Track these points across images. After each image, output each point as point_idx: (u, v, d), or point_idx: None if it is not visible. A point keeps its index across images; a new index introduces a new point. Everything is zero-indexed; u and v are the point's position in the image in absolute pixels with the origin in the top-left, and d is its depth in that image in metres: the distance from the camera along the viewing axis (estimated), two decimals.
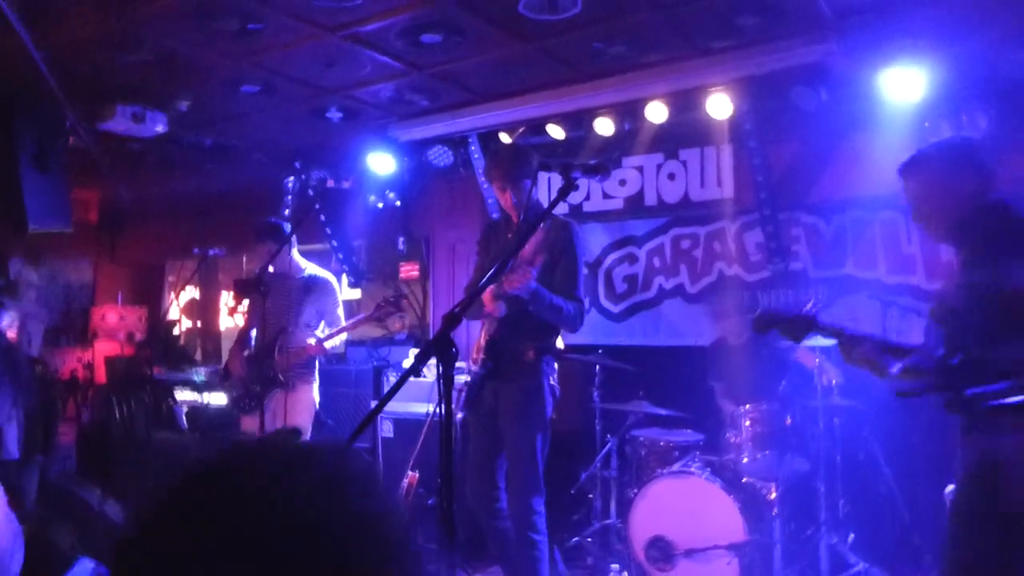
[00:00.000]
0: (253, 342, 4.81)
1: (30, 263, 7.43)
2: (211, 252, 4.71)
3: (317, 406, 4.80)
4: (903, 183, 2.66)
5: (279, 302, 4.63)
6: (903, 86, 4.22)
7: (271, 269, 4.48)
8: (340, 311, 4.77)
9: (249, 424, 4.74)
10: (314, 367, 4.73)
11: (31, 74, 4.11)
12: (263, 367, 4.58)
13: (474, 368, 3.59)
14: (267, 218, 4.92)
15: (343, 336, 4.71)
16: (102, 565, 2.74)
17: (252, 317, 4.93)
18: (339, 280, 5.13)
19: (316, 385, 4.76)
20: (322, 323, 4.70)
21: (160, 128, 5.15)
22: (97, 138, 5.26)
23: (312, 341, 4.55)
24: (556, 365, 3.61)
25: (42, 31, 3.83)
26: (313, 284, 4.71)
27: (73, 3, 3.65)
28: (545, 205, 3.97)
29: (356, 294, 7.32)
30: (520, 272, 3.23)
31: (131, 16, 3.77)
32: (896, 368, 2.36)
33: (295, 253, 4.76)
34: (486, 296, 3.39)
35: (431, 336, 5.70)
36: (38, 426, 5.09)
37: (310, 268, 4.79)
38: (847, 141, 4.91)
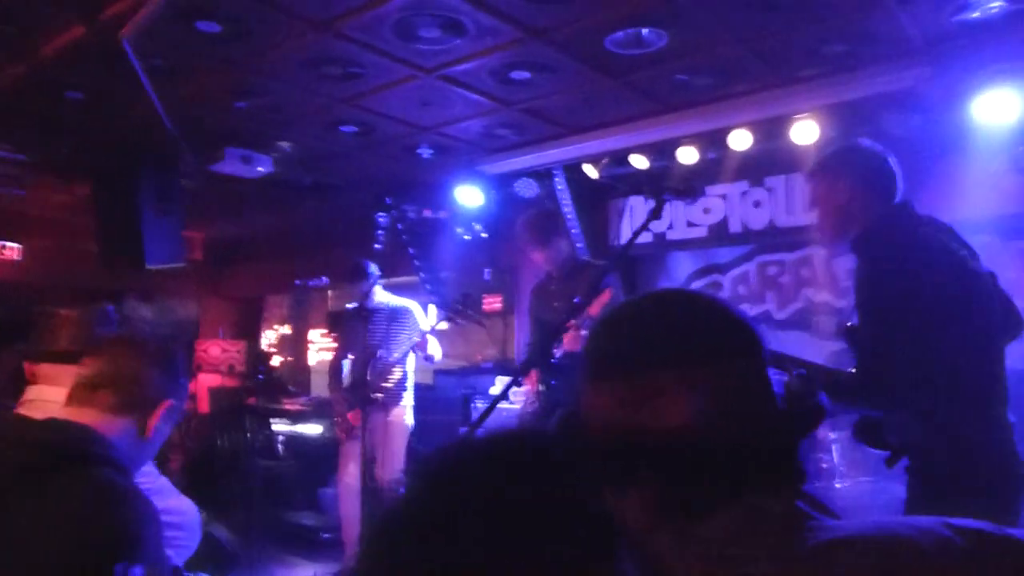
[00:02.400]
0: (344, 373, 5.16)
1: (142, 300, 7.87)
2: (311, 283, 4.98)
3: (410, 429, 5.17)
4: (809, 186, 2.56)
5: (371, 334, 5.02)
6: (998, 109, 4.16)
7: (362, 304, 4.90)
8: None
9: (349, 449, 5.04)
10: (405, 390, 5.13)
11: (155, 125, 4.45)
12: (359, 393, 4.93)
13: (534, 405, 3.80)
14: (355, 259, 5.30)
15: (435, 348, 5.11)
16: None
17: (341, 350, 5.34)
18: (426, 310, 5.51)
19: (410, 409, 5.14)
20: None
21: (264, 169, 5.48)
22: (206, 179, 5.62)
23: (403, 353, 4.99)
24: None
25: (167, 86, 4.16)
26: (398, 312, 5.17)
27: (198, 60, 3.97)
28: (583, 257, 4.51)
29: (444, 326, 7.51)
30: (571, 338, 3.68)
31: (246, 68, 4.07)
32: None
33: (378, 289, 5.17)
34: (568, 338, 3.75)
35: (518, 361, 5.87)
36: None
37: (393, 300, 5.24)
38: (940, 165, 4.84)
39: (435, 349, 5.10)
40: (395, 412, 5.02)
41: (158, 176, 5.15)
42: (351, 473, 5.07)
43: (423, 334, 4.98)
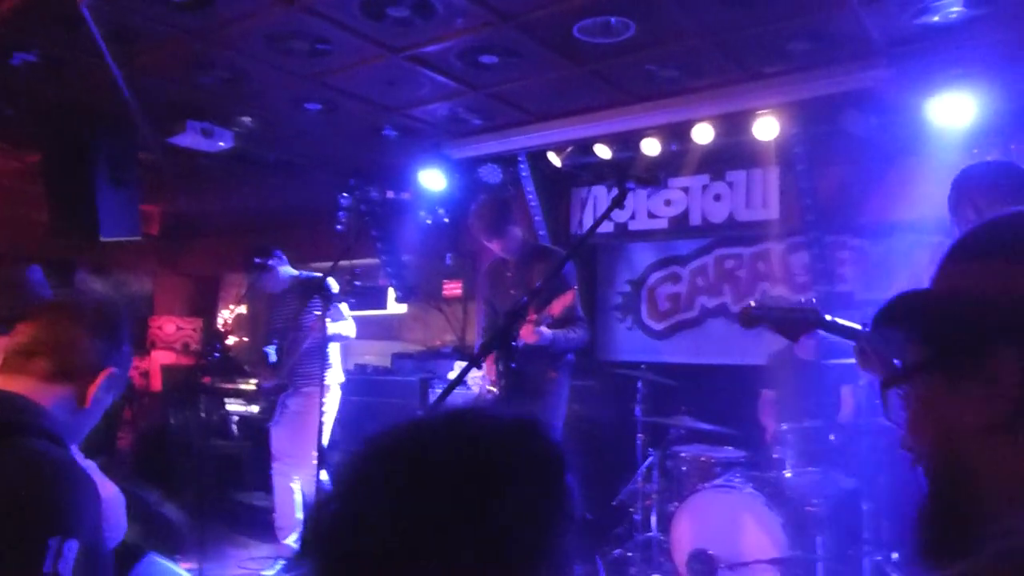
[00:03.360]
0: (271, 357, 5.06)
1: (95, 273, 7.71)
2: (270, 262, 4.90)
3: (329, 411, 4.83)
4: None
5: (282, 314, 4.93)
6: (952, 112, 4.26)
7: (266, 289, 4.86)
8: (341, 305, 4.99)
9: (276, 433, 5.03)
10: (320, 371, 4.66)
11: (112, 93, 4.34)
12: (279, 375, 4.92)
13: (495, 391, 3.82)
14: (258, 243, 5.10)
15: (345, 326, 4.99)
16: (165, 558, 2.90)
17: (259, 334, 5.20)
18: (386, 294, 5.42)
19: (335, 388, 4.99)
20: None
21: (225, 144, 5.38)
22: (165, 152, 5.50)
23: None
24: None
25: (126, 55, 4.06)
26: (305, 286, 4.90)
27: (160, 29, 3.87)
28: (539, 241, 4.51)
29: (403, 309, 7.49)
30: (528, 331, 3.76)
31: (210, 39, 3.99)
32: None
33: (285, 269, 5.02)
34: (525, 330, 3.82)
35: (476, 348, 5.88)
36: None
37: (301, 275, 5.07)
38: (896, 165, 4.96)
39: (342, 328, 4.92)
40: (306, 393, 4.80)
41: (114, 146, 5.01)
42: (277, 457, 5.02)
43: (316, 318, 4.68)
